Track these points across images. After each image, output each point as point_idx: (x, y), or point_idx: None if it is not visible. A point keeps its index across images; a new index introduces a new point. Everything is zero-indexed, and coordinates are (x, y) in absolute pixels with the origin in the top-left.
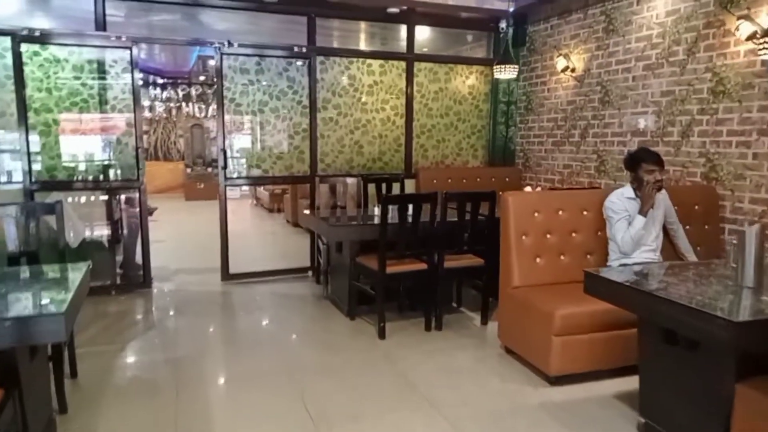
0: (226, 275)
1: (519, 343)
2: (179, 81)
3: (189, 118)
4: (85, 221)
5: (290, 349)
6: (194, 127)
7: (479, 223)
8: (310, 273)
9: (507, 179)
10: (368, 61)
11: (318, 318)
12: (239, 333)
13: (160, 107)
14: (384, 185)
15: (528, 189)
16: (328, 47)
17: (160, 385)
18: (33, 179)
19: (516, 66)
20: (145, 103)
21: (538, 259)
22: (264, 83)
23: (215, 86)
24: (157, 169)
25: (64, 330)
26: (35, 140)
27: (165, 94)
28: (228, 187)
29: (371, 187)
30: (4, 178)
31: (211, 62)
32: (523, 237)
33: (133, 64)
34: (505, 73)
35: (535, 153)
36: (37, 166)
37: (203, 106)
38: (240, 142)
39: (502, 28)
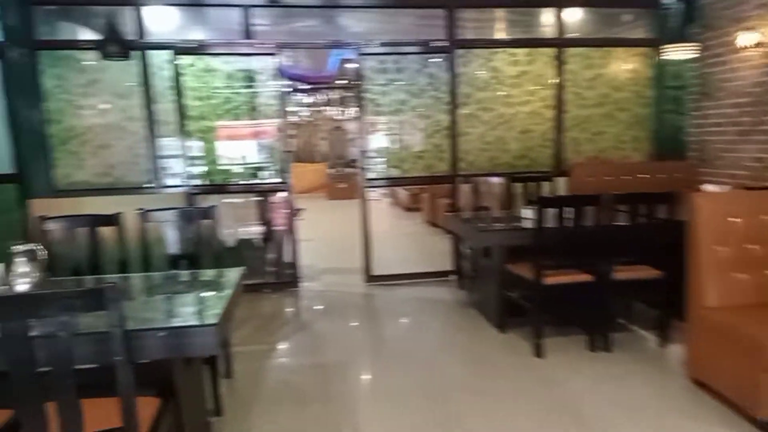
0: (369, 277)
1: (714, 375)
2: (321, 86)
3: (330, 121)
4: (240, 222)
5: (437, 363)
6: (335, 130)
7: (655, 228)
8: (452, 277)
9: (678, 175)
10: (512, 50)
11: (464, 328)
12: (384, 340)
13: (305, 112)
14: (532, 184)
15: (710, 187)
16: (469, 39)
17: (309, 393)
18: (192, 183)
19: (692, 44)
20: (291, 108)
21: (739, 275)
22: (403, 81)
23: (355, 88)
24: (302, 170)
25: (216, 342)
26: (193, 146)
27: (309, 99)
28: (369, 189)
29: (517, 187)
30: (170, 181)
31: (352, 65)
32: (718, 247)
33: (278, 70)
34: (678, 53)
35: (714, 145)
36: (195, 170)
37: (343, 109)
38: (380, 142)
39: (669, 3)
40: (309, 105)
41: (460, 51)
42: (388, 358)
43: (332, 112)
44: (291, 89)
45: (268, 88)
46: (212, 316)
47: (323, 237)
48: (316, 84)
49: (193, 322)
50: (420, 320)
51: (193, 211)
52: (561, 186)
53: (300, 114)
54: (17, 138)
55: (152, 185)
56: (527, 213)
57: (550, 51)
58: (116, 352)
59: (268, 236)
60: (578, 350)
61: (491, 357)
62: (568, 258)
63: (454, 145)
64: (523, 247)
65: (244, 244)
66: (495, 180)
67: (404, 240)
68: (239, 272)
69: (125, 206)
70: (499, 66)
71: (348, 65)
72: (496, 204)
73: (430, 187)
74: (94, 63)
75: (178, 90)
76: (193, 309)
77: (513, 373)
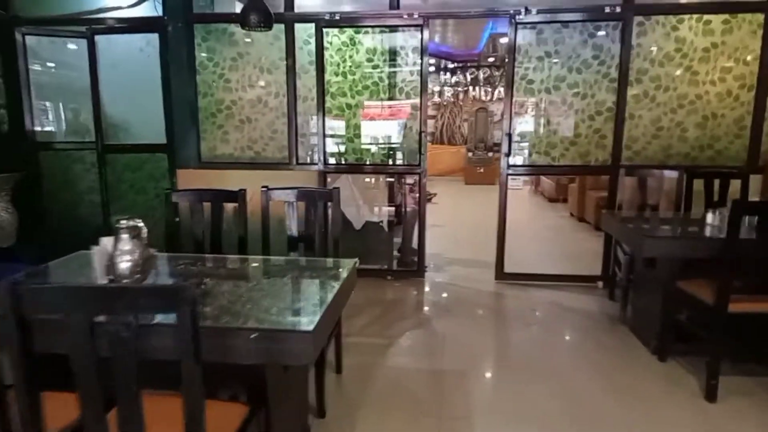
0: (501, 274)
1: None
2: (468, 64)
3: (475, 102)
4: (370, 203)
5: (577, 387)
6: (479, 111)
7: None
8: (600, 284)
9: None
10: (707, 17)
11: (613, 349)
12: (514, 351)
13: (448, 92)
14: (717, 182)
15: None
16: (651, 4)
17: (423, 403)
18: (326, 161)
19: None
20: (435, 88)
21: None
22: (563, 55)
23: (504, 67)
24: (441, 152)
25: (311, 351)
26: (331, 124)
27: (454, 79)
28: (510, 177)
29: (697, 184)
30: (307, 159)
31: (503, 40)
32: None
33: (423, 44)
34: None
35: None
36: (331, 149)
37: (490, 89)
38: (528, 125)
39: None
40: (453, 85)
41: (638, 18)
42: (518, 373)
43: (477, 92)
44: (435, 68)
45: (411, 65)
46: (308, 322)
47: (455, 223)
48: (463, 62)
49: (284, 325)
50: (558, 332)
51: (315, 193)
52: (756, 186)
53: (444, 94)
54: (171, 110)
55: (288, 162)
56: (712, 218)
57: (756, 17)
58: (186, 355)
59: (397, 220)
60: (767, 398)
61: (647, 390)
62: (765, 281)
63: (618, 130)
64: (702, 261)
65: (373, 227)
66: (668, 174)
67: (546, 235)
68: (352, 265)
69: (261, 181)
70: (686, 36)
71: (500, 41)
72: (668, 204)
73: (580, 177)
74: (244, 37)
75: (320, 65)
76: (290, 308)
77: (675, 415)
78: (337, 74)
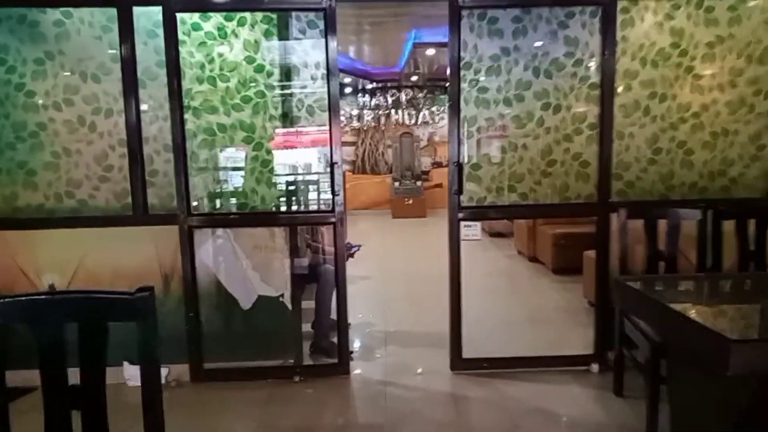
0: (458, 361)
1: None
2: (389, 84)
3: (398, 126)
4: (265, 270)
5: None
6: (404, 136)
7: None
8: (596, 367)
9: None
10: (708, 2)
11: None
12: None
13: (368, 115)
14: (753, 222)
15: None
16: None
17: None
18: (190, 211)
19: None
20: (353, 111)
21: None
22: (526, 53)
23: (426, 88)
24: (363, 183)
25: None
26: (193, 153)
27: (374, 101)
28: (463, 223)
29: (727, 225)
30: (162, 207)
31: (429, 53)
32: None
33: (329, 37)
34: None
35: None
36: (197, 192)
37: (414, 112)
38: (483, 149)
39: None
40: (374, 108)
41: (622, 2)
42: None
43: (400, 116)
44: (352, 89)
45: (313, 68)
46: None
47: (386, 273)
48: (383, 82)
49: None
50: None
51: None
52: None
53: (364, 117)
54: None
55: (132, 214)
56: None
57: None
58: None
59: (300, 291)
60: None
61: None
62: None
63: (604, 152)
64: None
65: (269, 304)
66: (684, 213)
67: (498, 284)
68: None
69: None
70: (684, 28)
71: (425, 54)
72: (683, 254)
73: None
74: (53, 26)
75: (173, 66)
76: None
77: None
78: (201, 81)
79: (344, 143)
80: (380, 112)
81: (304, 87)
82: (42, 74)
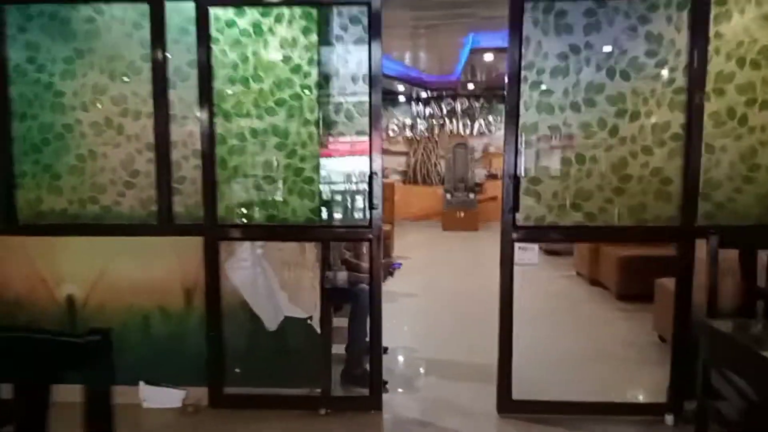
0: (507, 403)
1: None
2: (444, 94)
3: (452, 136)
4: (294, 289)
5: None
6: (457, 147)
7: None
8: (670, 419)
9: None
10: None
11: None
12: None
13: (421, 125)
14: None
15: None
16: None
17: None
18: (216, 221)
19: None
20: (407, 120)
21: None
22: (599, 51)
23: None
24: (415, 193)
25: None
26: (222, 159)
27: (427, 110)
28: (518, 245)
29: None
30: (189, 217)
31: (487, 58)
32: None
33: (372, 31)
34: None
35: None
36: (225, 201)
37: (469, 123)
38: (544, 161)
39: None
40: (428, 117)
41: None
42: None
43: (455, 126)
44: (406, 98)
45: (355, 67)
46: None
47: (432, 291)
48: (438, 90)
49: None
50: None
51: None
52: None
53: (417, 127)
54: None
55: (157, 224)
56: None
57: None
58: None
59: (333, 312)
60: None
61: None
62: None
63: (691, 167)
64: None
65: (296, 326)
66: None
67: (554, 310)
68: None
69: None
70: None
71: (483, 60)
72: None
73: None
74: (84, 24)
75: (206, 67)
76: None
77: None
78: (233, 82)
79: (396, 153)
80: (434, 122)
81: (344, 90)
82: (71, 73)
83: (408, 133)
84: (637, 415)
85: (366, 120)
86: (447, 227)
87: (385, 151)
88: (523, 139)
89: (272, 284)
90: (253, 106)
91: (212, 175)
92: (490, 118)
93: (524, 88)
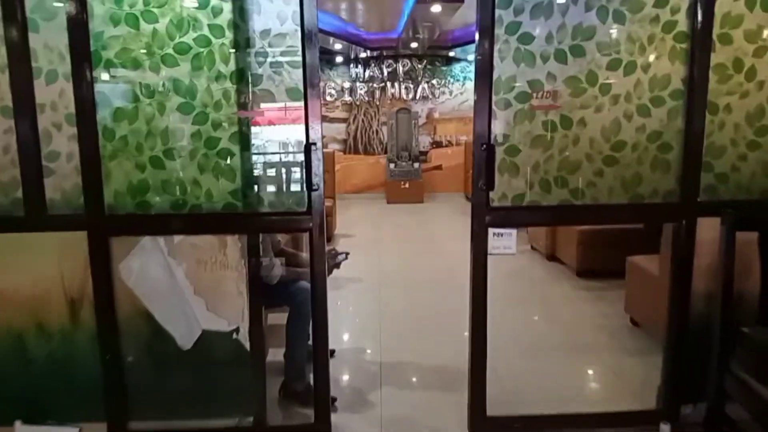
0: (481, 420)
1: None
2: (384, 53)
3: (394, 101)
4: (213, 295)
5: None
6: (400, 112)
7: None
8: (667, 429)
9: None
10: None
11: None
12: None
13: (361, 89)
14: None
15: None
16: None
17: None
18: (103, 209)
19: None
20: (345, 84)
21: None
22: None
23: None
24: (356, 164)
25: None
26: (106, 128)
27: (367, 73)
28: (493, 231)
29: None
30: (65, 204)
31: (434, 10)
32: None
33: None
34: None
35: None
36: (114, 184)
37: (411, 86)
38: (523, 125)
39: None
40: (367, 80)
41: None
42: None
43: (396, 90)
44: (343, 58)
45: (278, 16)
46: None
47: (380, 274)
48: (378, 50)
49: None
50: None
51: None
52: None
53: (356, 91)
54: None
55: (26, 215)
56: None
57: None
58: None
59: (265, 320)
60: None
61: None
62: None
63: (692, 132)
64: None
65: (218, 341)
66: None
67: (514, 293)
68: None
69: None
70: None
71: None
72: None
73: None
74: None
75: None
76: None
77: None
78: (117, 21)
79: (334, 120)
80: (374, 86)
81: (268, 32)
82: None
83: (347, 97)
84: (628, 426)
85: (299, 74)
86: (391, 199)
87: (323, 118)
88: (499, 97)
89: (184, 290)
90: (146, 54)
91: (94, 148)
92: (434, 81)
93: (499, 32)
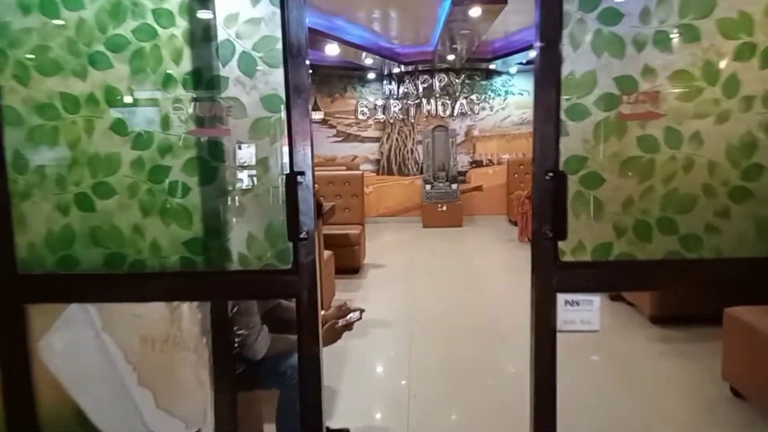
0: None
1: None
2: (419, 68)
3: (430, 118)
4: (156, 386)
5: None
6: (437, 130)
7: None
8: None
9: None
10: None
11: None
12: None
13: (395, 106)
14: None
15: None
16: None
17: None
18: (16, 271)
19: None
20: (378, 102)
21: None
22: None
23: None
24: (390, 186)
25: None
26: (18, 154)
27: (401, 89)
28: (568, 303)
29: None
30: None
31: (473, 14)
32: None
33: None
34: None
35: None
36: (30, 233)
37: (449, 101)
38: (610, 144)
39: None
40: (402, 97)
41: None
42: None
43: (433, 106)
44: (377, 75)
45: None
46: None
47: (413, 315)
48: (413, 64)
49: None
50: None
51: None
52: None
53: (390, 109)
54: None
55: None
56: None
57: None
58: None
59: (232, 422)
60: None
61: None
62: None
63: None
64: None
65: None
66: None
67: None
68: None
69: None
70: None
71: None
72: None
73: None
74: None
75: None
76: None
77: None
78: (28, 8)
79: (366, 139)
80: (409, 102)
81: (236, 18)
82: None
83: (380, 115)
84: None
85: (280, 75)
86: (427, 223)
87: (354, 137)
88: (570, 103)
89: (124, 378)
90: (69, 53)
91: (3, 183)
92: (473, 96)
93: (570, 7)
